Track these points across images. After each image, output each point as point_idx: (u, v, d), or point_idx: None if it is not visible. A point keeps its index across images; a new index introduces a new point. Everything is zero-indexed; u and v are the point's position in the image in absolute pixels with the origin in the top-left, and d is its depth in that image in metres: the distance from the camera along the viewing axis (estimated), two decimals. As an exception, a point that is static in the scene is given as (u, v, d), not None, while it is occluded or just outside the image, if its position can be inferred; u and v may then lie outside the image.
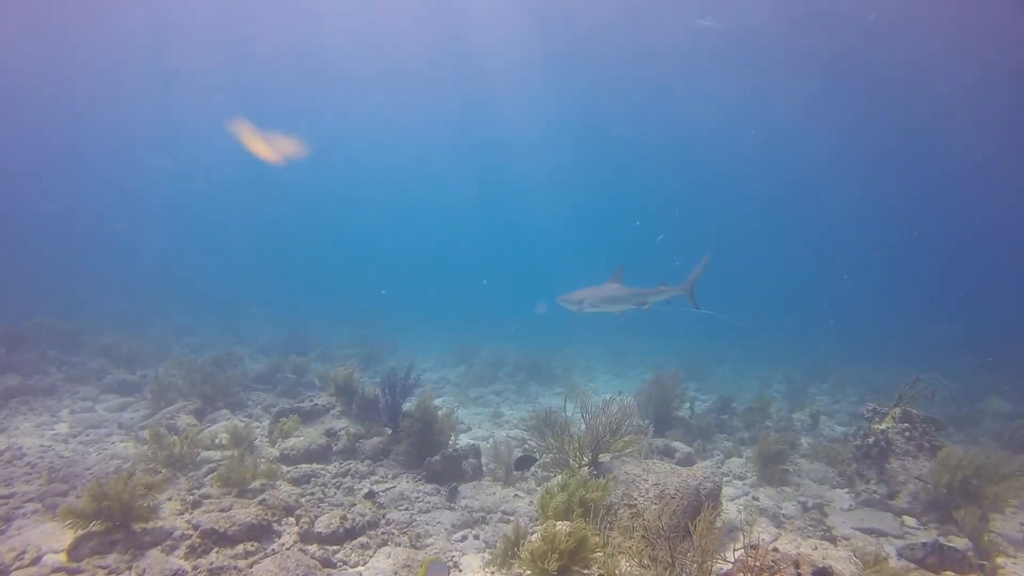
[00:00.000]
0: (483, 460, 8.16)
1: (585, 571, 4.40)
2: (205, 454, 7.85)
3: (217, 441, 8.33)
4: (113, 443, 8.48)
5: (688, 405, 11.40)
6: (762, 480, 8.29)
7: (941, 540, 5.92)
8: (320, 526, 5.56)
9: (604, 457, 6.72)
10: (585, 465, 6.64)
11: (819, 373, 20.11)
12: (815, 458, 9.16)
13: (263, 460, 7.80)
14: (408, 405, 8.89)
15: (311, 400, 9.16)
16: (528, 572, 4.38)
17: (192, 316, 26.09)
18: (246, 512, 5.50)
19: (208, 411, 9.87)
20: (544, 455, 7.33)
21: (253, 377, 13.05)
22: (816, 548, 5.07)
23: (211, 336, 21.94)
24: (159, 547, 5.14)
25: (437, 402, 14.03)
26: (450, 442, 8.25)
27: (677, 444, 9.02)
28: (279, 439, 8.43)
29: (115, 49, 37.92)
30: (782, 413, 13.13)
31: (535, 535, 4.77)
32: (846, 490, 7.99)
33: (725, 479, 8.20)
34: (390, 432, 8.57)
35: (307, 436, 8.35)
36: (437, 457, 7.60)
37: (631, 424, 7.08)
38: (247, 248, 71.49)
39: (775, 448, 8.38)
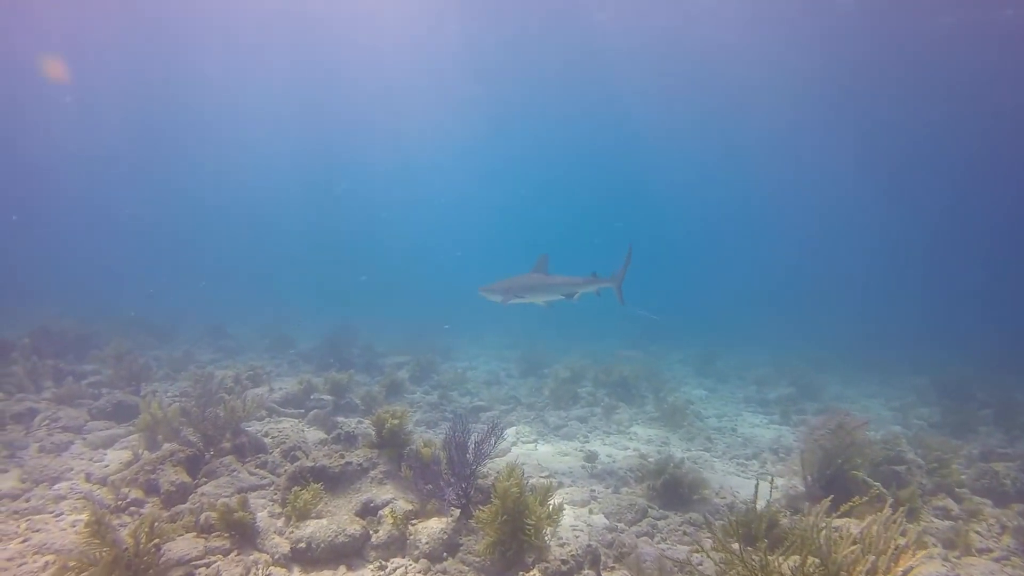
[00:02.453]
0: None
1: None
2: (181, 545, 5.09)
3: (203, 519, 5.57)
4: (59, 517, 5.83)
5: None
6: None
7: None
8: None
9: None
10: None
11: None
12: None
13: (265, 560, 4.98)
14: (489, 465, 5.94)
15: (342, 457, 6.28)
16: None
17: (233, 318, 24.08)
18: None
19: (209, 457, 7.19)
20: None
21: (281, 399, 10.41)
22: None
23: (249, 340, 19.72)
24: None
25: (509, 432, 11.10)
26: (548, 538, 5.23)
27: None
28: (292, 520, 5.58)
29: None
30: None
31: None
32: None
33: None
34: (458, 513, 5.61)
35: (334, 518, 5.47)
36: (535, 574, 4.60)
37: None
38: (297, 250, 71.28)
39: None
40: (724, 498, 7.71)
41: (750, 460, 10.22)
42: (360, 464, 6.15)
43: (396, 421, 6.25)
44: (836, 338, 30.07)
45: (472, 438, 5.88)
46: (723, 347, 24.40)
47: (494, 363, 19.97)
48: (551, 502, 5.52)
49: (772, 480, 6.43)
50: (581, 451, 10.21)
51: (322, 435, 8.85)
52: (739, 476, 9.25)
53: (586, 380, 15.72)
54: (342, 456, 6.17)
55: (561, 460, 9.49)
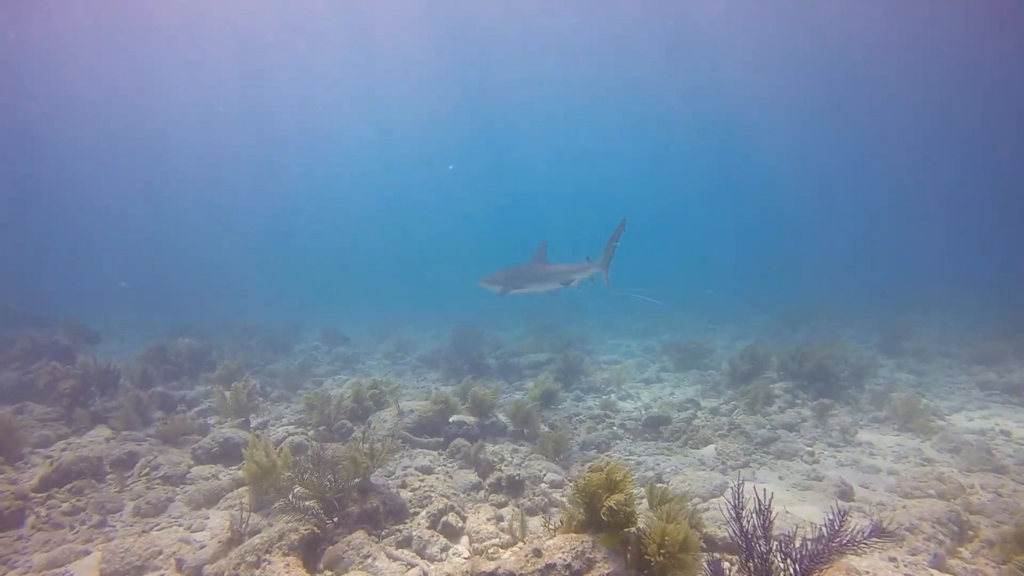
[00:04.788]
0: None
1: None
2: None
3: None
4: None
5: None
6: None
7: None
8: None
9: None
10: None
11: None
12: None
13: None
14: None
15: (537, 556, 3.80)
16: None
17: (346, 320, 23.02)
18: None
19: (331, 529, 5.08)
20: None
21: (414, 424, 8.31)
22: None
23: (366, 343, 18.27)
24: None
25: (708, 452, 8.35)
26: None
27: None
28: None
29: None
30: None
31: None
32: None
33: None
34: None
35: None
36: None
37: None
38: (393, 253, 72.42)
39: None
40: None
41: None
42: (567, 566, 3.67)
43: (619, 497, 3.70)
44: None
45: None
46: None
47: (638, 353, 17.18)
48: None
49: None
50: (816, 477, 7.28)
51: (472, 477, 6.58)
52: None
53: (767, 370, 12.57)
54: (538, 555, 3.71)
55: (801, 502, 6.61)
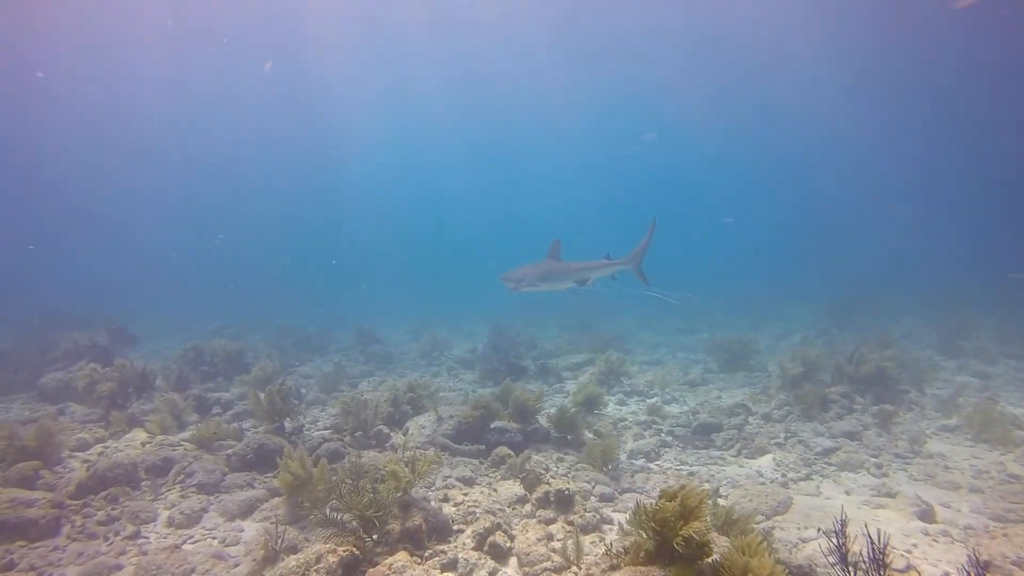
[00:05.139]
0: None
1: None
2: None
3: None
4: None
5: None
6: None
7: None
8: None
9: None
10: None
11: None
12: None
13: None
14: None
15: None
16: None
17: (379, 320, 22.90)
18: None
19: (371, 549, 4.75)
20: None
21: (454, 431, 7.98)
22: None
23: (400, 344, 18.08)
24: None
25: (765, 463, 7.82)
26: None
27: None
28: None
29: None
30: None
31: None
32: None
33: None
34: None
35: None
36: None
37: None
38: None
39: None
40: None
41: None
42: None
43: (698, 527, 3.26)
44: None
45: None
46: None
47: (679, 353, 16.59)
48: None
49: None
50: (888, 493, 6.69)
51: (517, 490, 6.19)
52: None
53: (820, 372, 11.87)
54: (603, 593, 3.30)
55: (875, 521, 6.04)
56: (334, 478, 5.18)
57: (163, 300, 33.21)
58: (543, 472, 6.46)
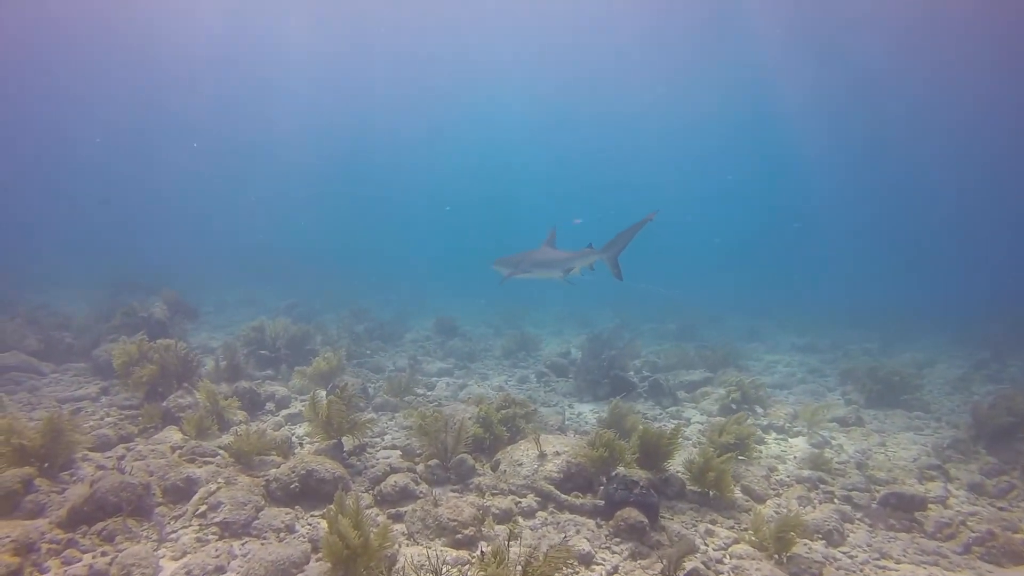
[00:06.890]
0: None
1: None
2: None
3: None
4: None
5: None
6: None
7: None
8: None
9: None
10: None
11: None
12: None
13: None
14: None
15: None
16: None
17: (463, 310, 21.16)
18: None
19: None
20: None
21: (562, 473, 5.88)
22: None
23: (482, 337, 16.23)
24: None
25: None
26: None
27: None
28: None
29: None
30: None
31: None
32: None
33: None
34: None
35: None
36: None
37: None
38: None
39: None
40: None
41: None
42: None
43: None
44: None
45: None
46: None
47: (806, 375, 13.80)
48: None
49: None
50: None
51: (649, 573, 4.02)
52: None
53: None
54: None
55: None
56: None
57: (240, 271, 33.22)
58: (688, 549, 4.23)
